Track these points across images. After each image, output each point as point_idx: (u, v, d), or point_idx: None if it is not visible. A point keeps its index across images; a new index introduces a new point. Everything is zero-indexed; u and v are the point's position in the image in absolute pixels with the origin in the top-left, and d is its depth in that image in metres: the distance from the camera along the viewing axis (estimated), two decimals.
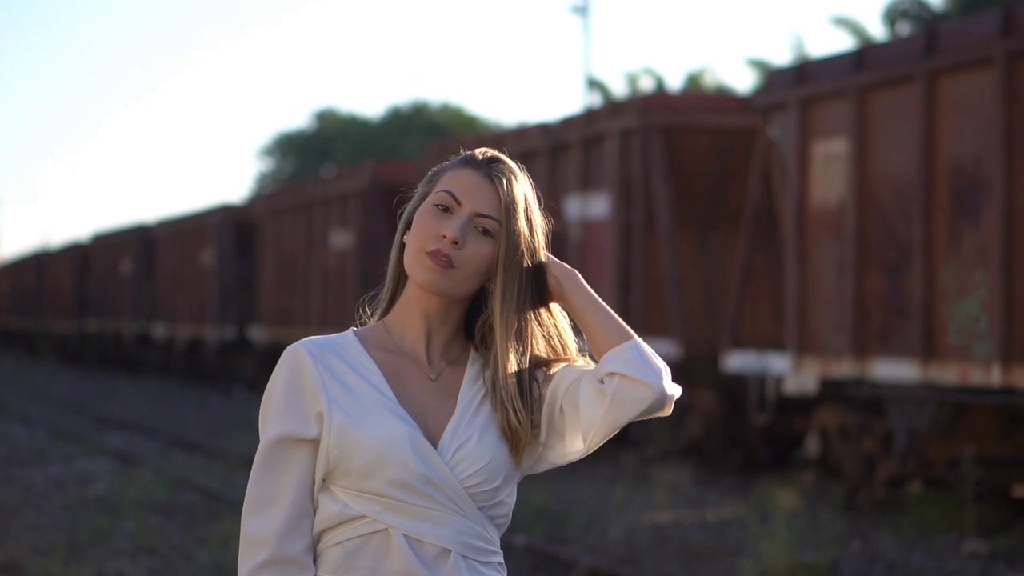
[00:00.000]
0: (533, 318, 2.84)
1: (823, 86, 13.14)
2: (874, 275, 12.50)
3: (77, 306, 43.09)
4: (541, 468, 2.87)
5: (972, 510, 11.44)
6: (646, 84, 40.19)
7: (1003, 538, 11.38)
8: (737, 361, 14.32)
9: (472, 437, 2.77)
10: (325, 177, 27.70)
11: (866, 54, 12.95)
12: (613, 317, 2.78)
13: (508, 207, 2.79)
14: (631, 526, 12.12)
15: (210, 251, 31.14)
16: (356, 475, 2.72)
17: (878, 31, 34.15)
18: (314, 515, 2.77)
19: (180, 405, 26.43)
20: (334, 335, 2.83)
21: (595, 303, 2.80)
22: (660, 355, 2.81)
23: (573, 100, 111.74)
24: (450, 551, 2.73)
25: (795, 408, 14.16)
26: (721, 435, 15.42)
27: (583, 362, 2.85)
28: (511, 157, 2.87)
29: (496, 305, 2.79)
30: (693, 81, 39.97)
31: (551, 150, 17.14)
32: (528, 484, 11.83)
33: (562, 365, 2.84)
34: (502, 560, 2.83)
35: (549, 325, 2.86)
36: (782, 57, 43.48)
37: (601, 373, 2.75)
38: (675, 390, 2.76)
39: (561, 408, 2.80)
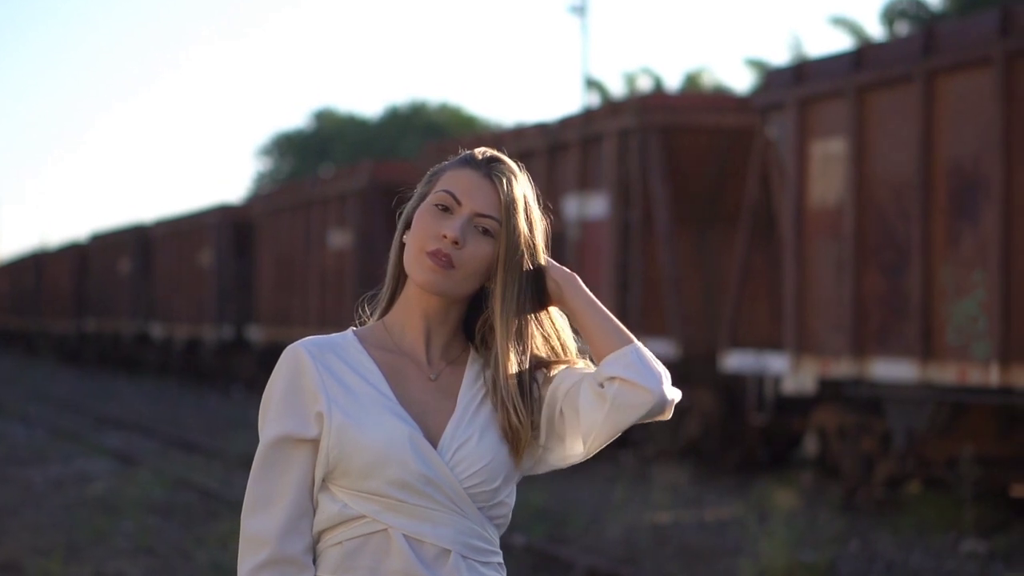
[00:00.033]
0: (533, 319, 2.84)
1: (821, 86, 13.14)
2: (872, 275, 12.50)
3: (76, 306, 43.06)
4: (541, 470, 2.87)
5: (970, 510, 11.43)
6: (644, 84, 40.20)
7: (1001, 538, 11.38)
8: (735, 361, 14.31)
9: (472, 437, 2.77)
10: (323, 177, 27.68)
11: (864, 54, 12.94)
12: (613, 321, 2.78)
13: (508, 207, 2.79)
14: (630, 526, 12.13)
15: (208, 251, 31.11)
16: (356, 475, 2.72)
17: (876, 31, 34.17)
18: (314, 515, 2.77)
19: (178, 405, 26.43)
20: (333, 335, 2.83)
21: (594, 307, 2.79)
22: (658, 355, 2.81)
23: (571, 100, 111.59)
24: (450, 551, 2.73)
25: (793, 408, 14.15)
26: (720, 435, 15.42)
27: (583, 364, 2.85)
28: (509, 157, 2.87)
29: (496, 305, 2.79)
30: (691, 81, 39.97)
31: (549, 150, 17.14)
32: (528, 484, 11.82)
33: (562, 367, 2.84)
34: (502, 560, 2.83)
35: (548, 326, 2.86)
36: (780, 57, 43.55)
37: (601, 377, 2.74)
38: (675, 394, 2.76)
39: (561, 411, 2.80)
